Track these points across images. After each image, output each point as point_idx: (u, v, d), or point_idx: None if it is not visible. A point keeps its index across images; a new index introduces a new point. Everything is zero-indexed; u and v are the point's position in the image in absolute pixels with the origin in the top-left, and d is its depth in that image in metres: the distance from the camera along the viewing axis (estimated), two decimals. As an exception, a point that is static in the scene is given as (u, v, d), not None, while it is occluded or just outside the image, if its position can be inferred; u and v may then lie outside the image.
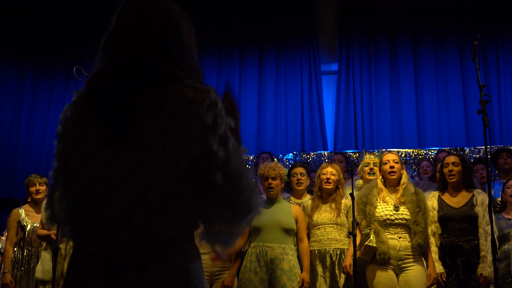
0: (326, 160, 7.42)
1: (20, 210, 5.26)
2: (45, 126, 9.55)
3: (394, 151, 5.33)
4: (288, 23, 9.46)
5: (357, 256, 4.19)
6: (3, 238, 5.55)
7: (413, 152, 7.73)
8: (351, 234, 4.06)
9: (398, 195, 4.28)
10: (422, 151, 7.74)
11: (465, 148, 7.59)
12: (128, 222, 1.37)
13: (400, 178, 4.36)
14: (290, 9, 9.47)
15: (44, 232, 4.88)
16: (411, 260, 4.12)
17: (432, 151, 7.60)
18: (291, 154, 8.12)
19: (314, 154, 7.99)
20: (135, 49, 1.51)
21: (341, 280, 4.48)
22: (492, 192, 5.36)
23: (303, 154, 8.02)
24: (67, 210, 1.48)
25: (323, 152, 8.07)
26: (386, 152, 4.55)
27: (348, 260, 4.28)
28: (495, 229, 4.51)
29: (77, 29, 9.59)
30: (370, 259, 4.16)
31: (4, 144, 9.36)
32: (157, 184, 1.38)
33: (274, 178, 4.62)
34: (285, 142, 8.88)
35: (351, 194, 4.17)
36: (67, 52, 9.71)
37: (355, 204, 4.28)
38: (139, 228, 1.37)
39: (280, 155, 8.16)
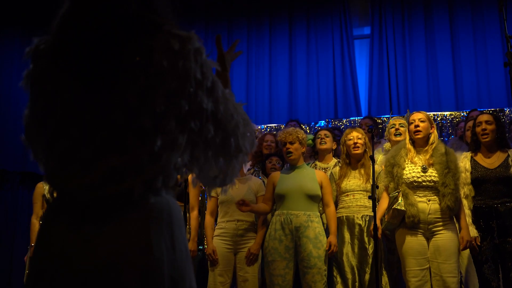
0: (360, 127, 7.22)
1: (44, 184, 5.26)
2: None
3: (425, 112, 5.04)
4: (318, -13, 9.19)
5: (386, 219, 4.05)
6: None
7: (450, 115, 7.44)
8: (370, 198, 3.92)
9: (427, 156, 4.08)
10: (459, 113, 7.43)
11: (505, 109, 7.22)
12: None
13: (428, 138, 4.17)
14: (319, -28, 9.19)
15: None
16: (442, 223, 3.94)
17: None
18: (323, 121, 7.95)
19: (346, 121, 7.79)
20: None
21: (370, 247, 4.36)
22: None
23: (335, 121, 7.84)
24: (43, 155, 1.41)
25: (356, 118, 7.85)
26: (415, 112, 4.34)
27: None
28: None
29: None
30: (399, 223, 4.01)
31: (15, 116, 8.94)
32: (146, 145, 1.30)
33: (291, 143, 4.52)
34: (318, 110, 8.69)
35: (371, 157, 4.03)
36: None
37: (383, 166, 4.12)
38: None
39: (313, 123, 8.00)
